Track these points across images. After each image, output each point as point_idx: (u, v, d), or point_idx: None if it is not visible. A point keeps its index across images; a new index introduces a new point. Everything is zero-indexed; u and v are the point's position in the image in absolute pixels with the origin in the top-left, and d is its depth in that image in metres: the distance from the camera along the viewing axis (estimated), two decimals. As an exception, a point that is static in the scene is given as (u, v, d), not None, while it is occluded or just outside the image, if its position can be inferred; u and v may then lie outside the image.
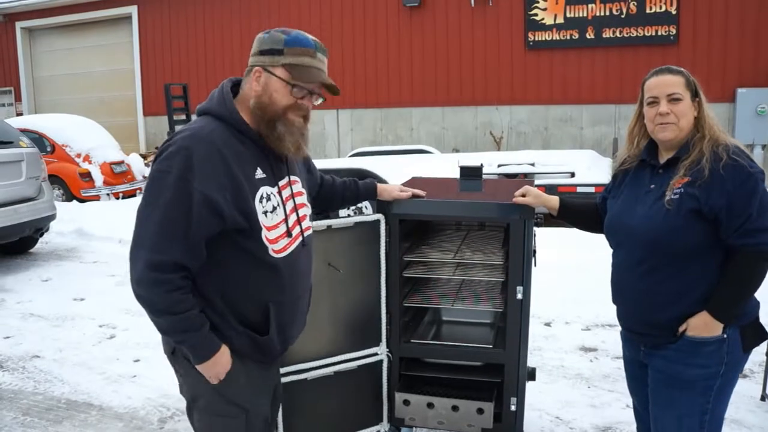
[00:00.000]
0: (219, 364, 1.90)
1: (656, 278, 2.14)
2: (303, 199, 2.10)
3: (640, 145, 2.30)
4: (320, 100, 2.00)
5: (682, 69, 2.20)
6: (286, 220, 1.96)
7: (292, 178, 2.05)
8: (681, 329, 2.12)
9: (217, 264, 1.87)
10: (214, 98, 1.94)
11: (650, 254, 2.13)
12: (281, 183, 1.98)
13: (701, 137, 2.13)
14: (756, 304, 2.16)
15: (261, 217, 1.88)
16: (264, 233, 1.89)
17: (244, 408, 1.99)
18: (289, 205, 2.00)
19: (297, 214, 2.03)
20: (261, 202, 1.89)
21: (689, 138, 2.15)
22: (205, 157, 1.79)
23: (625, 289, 2.27)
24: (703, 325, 2.08)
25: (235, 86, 1.98)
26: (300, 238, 2.02)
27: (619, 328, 2.40)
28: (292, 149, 1.93)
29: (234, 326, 1.92)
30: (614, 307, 2.35)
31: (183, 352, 1.93)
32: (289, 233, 1.97)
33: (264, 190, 1.90)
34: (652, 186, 2.19)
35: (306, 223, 2.08)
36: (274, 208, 1.93)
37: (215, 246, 1.84)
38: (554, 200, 2.58)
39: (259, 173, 1.90)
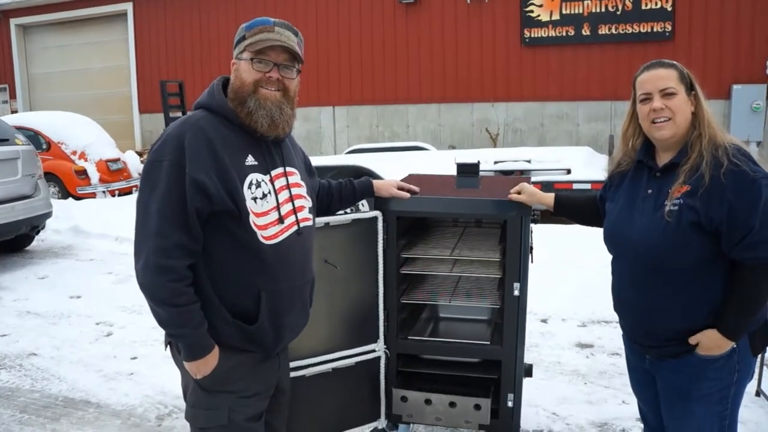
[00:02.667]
0: (207, 364, 1.94)
1: (659, 293, 2.06)
2: (301, 191, 2.12)
3: (635, 146, 2.21)
4: (295, 73, 2.02)
5: (674, 62, 2.10)
6: (278, 208, 1.99)
7: (288, 169, 2.08)
8: (692, 342, 2.04)
9: (208, 250, 1.91)
10: (204, 93, 2.02)
11: (651, 269, 2.05)
12: (274, 172, 2.02)
13: (698, 136, 2.02)
14: (764, 309, 2.06)
15: (249, 203, 1.92)
16: (252, 219, 1.92)
17: (226, 404, 2.00)
18: (284, 194, 2.03)
19: (293, 204, 2.05)
20: (250, 188, 1.93)
21: (687, 138, 2.05)
22: (193, 140, 1.86)
23: (627, 302, 2.20)
24: (714, 346, 2.01)
25: (227, 84, 2.05)
26: (295, 227, 2.04)
27: (615, 325, 2.38)
28: (265, 124, 1.95)
29: (223, 316, 1.94)
30: (610, 303, 2.31)
31: (176, 346, 1.97)
32: (281, 220, 1.99)
33: (254, 176, 1.95)
34: (650, 191, 2.10)
35: (303, 214, 2.09)
36: (264, 195, 1.96)
37: (206, 232, 1.89)
38: (549, 197, 2.57)
39: (250, 160, 1.96)
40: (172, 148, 1.86)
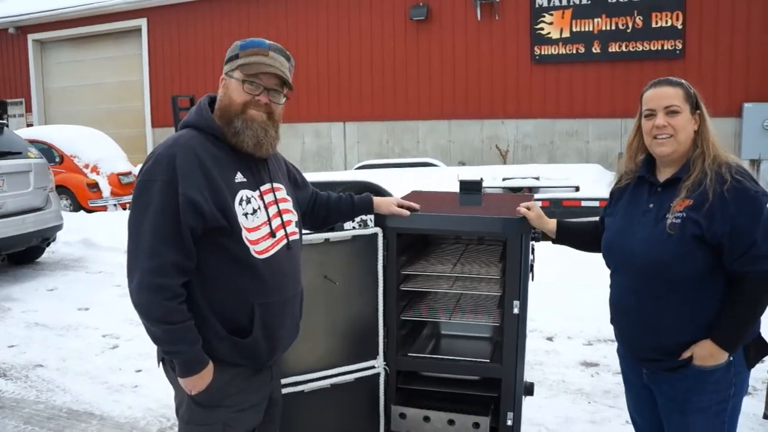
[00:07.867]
0: (202, 380, 1.96)
1: (658, 305, 2.08)
2: (288, 205, 2.16)
3: (638, 162, 2.25)
4: (282, 98, 2.08)
5: (682, 80, 2.14)
6: (269, 223, 2.03)
7: (275, 185, 2.13)
8: (685, 356, 2.07)
9: (202, 267, 1.93)
10: (192, 112, 2.06)
11: (651, 281, 2.08)
12: (263, 188, 2.06)
13: (701, 154, 2.07)
14: (758, 322, 2.10)
15: (241, 219, 1.96)
16: (245, 234, 1.96)
17: (222, 419, 2.01)
18: (273, 209, 2.07)
19: (281, 218, 2.10)
20: (241, 204, 1.97)
21: (689, 155, 2.10)
22: (185, 160, 1.89)
23: (625, 314, 2.21)
24: (709, 356, 2.04)
25: (214, 101, 2.10)
26: (284, 241, 2.08)
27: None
28: (251, 144, 2.00)
29: (217, 332, 1.96)
30: None
31: (169, 362, 1.99)
32: (272, 234, 2.04)
33: (244, 193, 1.99)
34: (651, 205, 2.13)
35: (291, 228, 2.14)
36: (255, 211, 2.00)
37: (199, 248, 1.92)
38: (552, 224, 2.57)
39: (239, 177, 2.00)
40: (163, 168, 1.88)
